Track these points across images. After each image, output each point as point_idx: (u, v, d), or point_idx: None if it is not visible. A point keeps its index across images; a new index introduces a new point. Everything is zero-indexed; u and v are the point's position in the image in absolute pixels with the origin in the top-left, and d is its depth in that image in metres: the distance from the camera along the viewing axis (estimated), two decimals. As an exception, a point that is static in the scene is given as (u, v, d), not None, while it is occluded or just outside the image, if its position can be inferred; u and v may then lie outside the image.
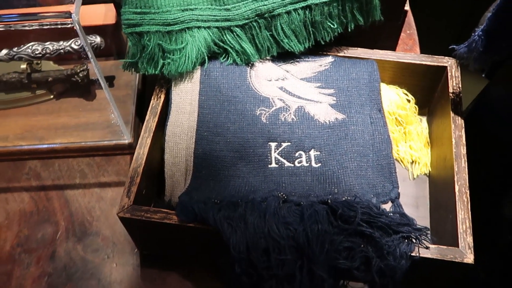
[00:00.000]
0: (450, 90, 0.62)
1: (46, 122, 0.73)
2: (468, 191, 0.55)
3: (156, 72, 0.62)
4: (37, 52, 0.69)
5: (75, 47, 0.69)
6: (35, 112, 0.74)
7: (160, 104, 0.63)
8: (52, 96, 0.75)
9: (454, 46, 0.57)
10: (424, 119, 0.71)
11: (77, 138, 0.71)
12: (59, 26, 0.54)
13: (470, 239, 0.53)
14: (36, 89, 0.74)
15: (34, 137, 0.72)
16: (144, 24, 0.61)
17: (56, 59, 0.74)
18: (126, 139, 0.71)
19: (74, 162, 0.72)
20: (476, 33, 0.54)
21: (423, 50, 0.80)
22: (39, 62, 0.74)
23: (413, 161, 0.67)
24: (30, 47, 0.69)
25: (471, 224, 0.54)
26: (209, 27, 0.62)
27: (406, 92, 0.68)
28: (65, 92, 0.75)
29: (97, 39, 0.70)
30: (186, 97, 0.62)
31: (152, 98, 0.64)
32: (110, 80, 0.75)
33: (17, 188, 0.70)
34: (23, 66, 0.72)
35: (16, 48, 0.69)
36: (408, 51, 0.79)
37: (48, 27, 0.56)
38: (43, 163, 0.72)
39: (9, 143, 0.71)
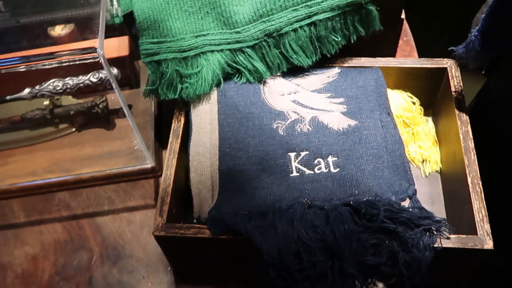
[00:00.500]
0: (452, 89, 0.66)
1: (71, 154, 0.76)
2: (480, 182, 0.59)
3: (176, 96, 0.66)
4: (58, 88, 0.73)
5: (94, 80, 0.73)
6: (60, 146, 0.77)
7: (181, 127, 0.67)
8: (74, 129, 0.79)
9: (453, 48, 0.61)
10: (430, 119, 0.74)
11: (102, 167, 0.75)
12: (86, 62, 0.58)
13: (487, 226, 0.56)
14: (59, 124, 0.78)
15: (61, 169, 0.75)
16: (162, 52, 0.65)
17: (76, 93, 0.78)
18: (149, 164, 0.75)
19: (101, 190, 0.75)
20: (473, 34, 0.58)
21: (421, 54, 0.85)
22: (59, 97, 0.78)
23: (423, 160, 0.71)
24: (51, 84, 0.73)
25: (486, 212, 0.57)
26: (221, 50, 0.66)
27: (410, 95, 0.72)
28: (86, 124, 0.79)
29: (114, 71, 0.74)
30: (205, 117, 0.66)
31: (173, 121, 0.67)
32: (129, 108, 0.79)
33: (49, 220, 0.73)
34: (46, 102, 0.76)
35: (38, 86, 0.73)
36: (407, 57, 0.83)
37: (72, 63, 0.60)
38: (71, 194, 0.75)
39: (38, 177, 0.74)
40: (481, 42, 0.57)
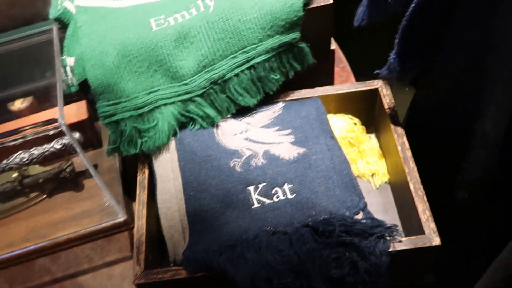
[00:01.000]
0: (386, 106, 0.73)
1: (45, 220, 0.80)
2: (421, 186, 0.65)
3: (137, 151, 0.71)
4: (24, 160, 0.77)
5: (58, 146, 0.77)
6: (33, 213, 0.80)
7: (146, 178, 0.71)
8: (45, 196, 0.82)
9: (378, 71, 0.69)
10: (373, 135, 0.81)
11: (77, 228, 0.78)
12: (50, 133, 0.62)
13: (433, 225, 0.62)
14: (30, 193, 0.81)
15: (37, 236, 0.78)
16: (118, 112, 0.70)
17: (42, 162, 0.82)
18: (121, 217, 0.78)
19: (79, 250, 0.79)
20: (391, 57, 0.65)
21: (359, 76, 0.92)
22: (26, 168, 0.82)
23: (373, 174, 0.77)
24: (17, 157, 0.77)
25: (431, 213, 0.63)
26: (173, 102, 0.72)
27: (351, 117, 0.79)
28: (56, 189, 0.82)
29: (77, 135, 0.78)
30: (167, 166, 0.71)
31: (138, 174, 0.72)
32: (94, 168, 0.83)
33: (33, 287, 0.75)
34: (15, 174, 0.79)
35: (5, 160, 0.77)
36: (345, 82, 0.91)
37: (36, 136, 0.65)
38: (50, 258, 0.78)
39: (16, 247, 0.77)
40: (399, 63, 0.64)
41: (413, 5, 0.59)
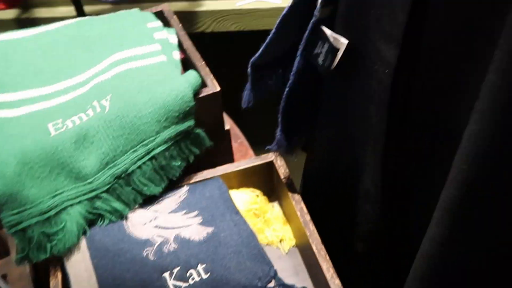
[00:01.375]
0: (281, 176, 0.80)
1: None
2: (323, 246, 0.71)
3: (47, 255, 0.71)
4: None
5: (-38, 264, 0.75)
6: None
7: (60, 281, 0.71)
8: (-49, 317, 0.78)
9: (269, 147, 0.76)
10: (276, 203, 0.87)
11: None
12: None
13: (337, 281, 0.68)
14: None
15: None
16: (24, 220, 0.70)
17: None
18: (37, 325, 0.76)
19: None
20: (278, 133, 0.73)
21: (259, 145, 0.98)
22: None
23: (280, 240, 0.82)
24: None
25: (334, 270, 0.69)
26: (80, 202, 0.73)
27: (253, 189, 0.84)
28: (-38, 308, 0.79)
29: (-19, 249, 0.76)
30: (80, 266, 0.71)
31: (50, 279, 0.72)
32: (3, 278, 0.81)
33: None
34: None
35: None
36: (244, 156, 0.98)
37: None
38: None
39: None
40: (285, 138, 0.72)
41: (287, 88, 0.67)
